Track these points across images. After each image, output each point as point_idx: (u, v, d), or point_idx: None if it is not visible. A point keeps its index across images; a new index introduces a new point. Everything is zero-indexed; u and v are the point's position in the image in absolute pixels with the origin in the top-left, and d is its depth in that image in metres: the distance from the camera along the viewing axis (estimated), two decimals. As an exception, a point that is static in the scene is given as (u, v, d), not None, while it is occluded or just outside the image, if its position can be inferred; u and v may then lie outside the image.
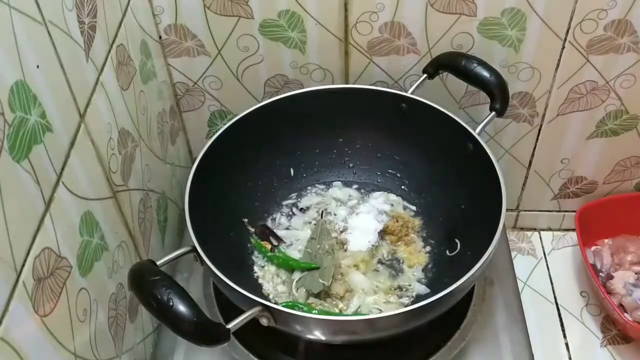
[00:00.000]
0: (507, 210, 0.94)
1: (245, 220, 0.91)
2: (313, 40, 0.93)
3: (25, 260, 0.51)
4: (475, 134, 0.82)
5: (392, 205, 0.94)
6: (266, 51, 0.94)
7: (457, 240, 0.86)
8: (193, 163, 0.80)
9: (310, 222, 0.92)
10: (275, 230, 0.91)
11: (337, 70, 0.97)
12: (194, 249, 0.71)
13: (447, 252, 0.87)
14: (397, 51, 0.94)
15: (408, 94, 0.89)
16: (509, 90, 0.86)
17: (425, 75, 0.90)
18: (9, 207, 0.49)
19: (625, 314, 1.03)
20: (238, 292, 0.66)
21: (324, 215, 0.92)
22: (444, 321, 0.78)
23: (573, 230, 1.15)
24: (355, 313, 0.80)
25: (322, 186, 0.97)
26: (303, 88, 0.94)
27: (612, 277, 1.07)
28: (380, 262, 0.87)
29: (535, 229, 1.23)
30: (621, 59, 0.93)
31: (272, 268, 0.86)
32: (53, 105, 0.57)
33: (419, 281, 0.85)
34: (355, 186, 0.98)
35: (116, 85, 0.74)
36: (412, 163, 0.94)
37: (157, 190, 0.90)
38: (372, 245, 0.89)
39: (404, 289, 0.84)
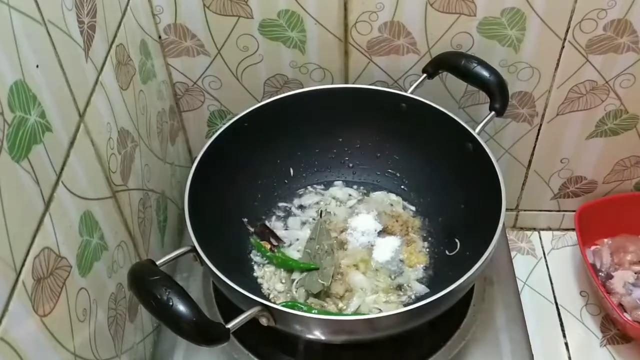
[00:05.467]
0: (507, 210, 0.94)
1: (245, 220, 0.91)
2: (313, 40, 0.93)
3: (24, 260, 0.51)
4: (474, 133, 0.82)
5: (392, 205, 0.94)
6: (266, 51, 0.94)
7: (457, 240, 0.86)
8: (193, 163, 0.80)
9: (309, 222, 0.92)
10: (274, 230, 0.91)
11: (336, 70, 0.97)
12: (194, 249, 0.71)
13: (447, 251, 0.87)
14: (396, 51, 0.94)
15: (408, 94, 0.89)
16: (509, 89, 0.86)
17: (424, 75, 0.90)
18: (8, 207, 0.49)
19: (625, 314, 1.03)
20: (237, 291, 0.66)
21: (323, 215, 0.92)
22: (444, 321, 0.78)
23: (573, 230, 1.15)
24: (355, 313, 0.80)
25: (322, 186, 0.97)
26: (303, 88, 0.94)
27: (611, 277, 1.07)
28: (379, 261, 0.87)
29: (534, 229, 1.23)
30: (621, 58, 0.93)
31: (272, 268, 0.86)
32: (52, 105, 0.57)
33: (418, 281, 0.85)
34: (355, 186, 0.98)
35: (116, 85, 0.74)
36: (412, 163, 0.94)
37: (157, 190, 0.90)
38: (372, 245, 0.89)
39: (404, 289, 0.84)
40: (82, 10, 0.65)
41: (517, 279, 0.90)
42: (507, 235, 1.05)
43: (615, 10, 0.87)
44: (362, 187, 0.97)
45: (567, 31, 0.90)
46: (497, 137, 1.06)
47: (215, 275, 0.68)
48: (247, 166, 0.90)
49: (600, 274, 1.09)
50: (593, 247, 1.15)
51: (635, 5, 0.86)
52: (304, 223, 0.92)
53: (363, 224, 0.91)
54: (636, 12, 0.87)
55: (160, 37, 0.93)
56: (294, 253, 0.88)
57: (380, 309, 0.80)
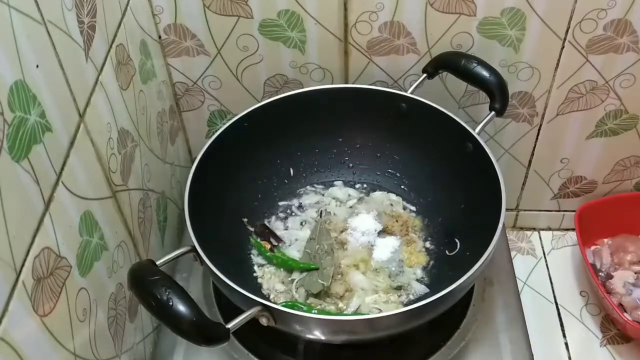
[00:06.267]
0: (507, 210, 0.94)
1: (245, 220, 0.91)
2: (313, 40, 0.93)
3: (24, 260, 0.51)
4: (474, 133, 0.82)
5: (392, 205, 0.94)
6: (266, 51, 0.94)
7: (457, 240, 0.86)
8: (193, 163, 0.80)
9: (309, 222, 0.92)
10: (274, 230, 0.91)
11: (336, 70, 0.97)
12: (194, 249, 0.71)
13: (447, 251, 0.87)
14: (396, 51, 0.94)
15: (408, 94, 0.89)
16: (509, 89, 0.86)
17: (424, 75, 0.90)
18: (8, 207, 0.49)
19: (625, 314, 1.03)
20: (238, 291, 0.67)
21: (323, 215, 0.92)
22: (444, 321, 0.78)
23: (573, 229, 1.15)
24: (355, 313, 0.80)
25: (322, 186, 0.97)
26: (303, 88, 0.94)
27: (611, 277, 1.07)
28: (379, 261, 0.87)
29: (534, 229, 1.23)
30: (621, 58, 0.93)
31: (272, 268, 0.86)
32: (53, 105, 0.57)
33: (418, 281, 0.85)
34: (355, 186, 0.97)
35: (116, 85, 0.74)
36: (412, 163, 0.94)
37: (157, 190, 0.90)
38: (372, 245, 0.89)
39: (404, 289, 0.84)
40: (82, 10, 0.65)
41: (517, 279, 0.90)
42: (507, 235, 1.05)
43: (615, 10, 0.87)
44: (362, 187, 0.97)
45: (567, 31, 0.90)
46: (497, 137, 1.06)
47: (215, 275, 0.68)
48: (247, 166, 0.90)
49: (600, 274, 1.09)
50: (593, 247, 1.15)
51: (635, 5, 0.86)
52: (303, 223, 0.92)
53: (363, 224, 0.91)
54: (636, 12, 0.87)
55: (160, 37, 0.93)
56: (294, 253, 0.88)
57: (380, 309, 0.80)
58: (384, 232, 0.90)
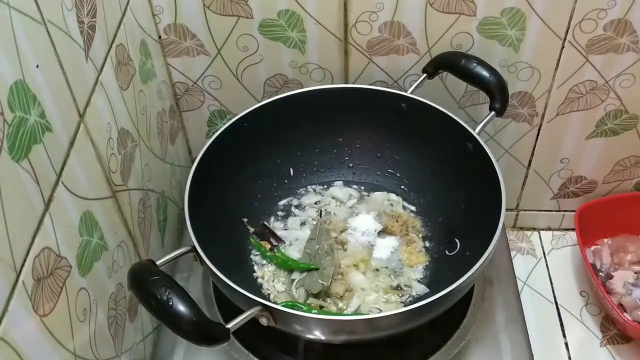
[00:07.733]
0: (507, 210, 0.94)
1: (245, 220, 0.91)
2: (313, 40, 0.93)
3: (24, 260, 0.51)
4: (474, 133, 0.82)
5: (392, 205, 0.94)
6: (266, 51, 0.94)
7: (456, 240, 0.86)
8: (193, 163, 0.80)
9: (309, 222, 0.92)
10: (274, 230, 0.91)
11: (336, 70, 0.97)
12: (194, 249, 0.71)
13: (447, 251, 0.87)
14: (396, 51, 0.94)
15: (408, 94, 0.89)
16: (509, 89, 0.86)
17: (424, 75, 0.90)
18: (8, 206, 0.49)
19: (625, 314, 1.03)
20: (238, 291, 0.67)
21: (323, 215, 0.92)
22: (444, 321, 0.78)
23: (573, 229, 1.15)
24: (355, 313, 0.80)
25: (322, 186, 0.97)
26: (303, 88, 0.94)
27: (611, 277, 1.07)
28: (379, 261, 0.87)
29: (534, 229, 1.23)
30: (621, 58, 0.93)
31: (272, 268, 0.86)
32: (52, 105, 0.57)
33: (418, 281, 0.85)
34: (354, 186, 0.98)
35: (116, 85, 0.74)
36: (412, 163, 0.94)
37: (157, 190, 0.90)
38: (372, 245, 0.89)
39: (404, 289, 0.84)
40: (82, 10, 0.65)
41: (517, 279, 0.90)
42: (507, 235, 1.05)
43: (615, 10, 0.87)
44: (362, 187, 0.97)
45: (567, 31, 0.90)
46: (497, 137, 1.06)
47: (215, 275, 0.68)
48: (247, 166, 0.90)
49: (600, 274, 1.09)
50: (593, 247, 1.15)
51: (635, 5, 0.86)
52: (303, 223, 0.92)
53: (363, 224, 0.91)
54: (636, 12, 0.87)
55: (160, 37, 0.93)
56: (294, 253, 0.88)
57: (380, 309, 0.80)
58: (384, 232, 0.90)
